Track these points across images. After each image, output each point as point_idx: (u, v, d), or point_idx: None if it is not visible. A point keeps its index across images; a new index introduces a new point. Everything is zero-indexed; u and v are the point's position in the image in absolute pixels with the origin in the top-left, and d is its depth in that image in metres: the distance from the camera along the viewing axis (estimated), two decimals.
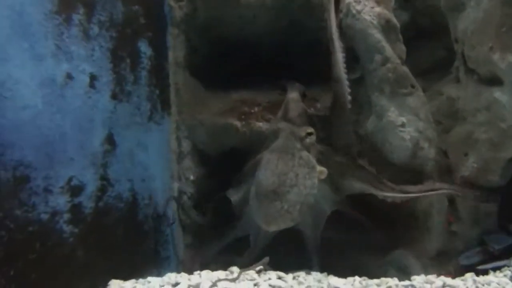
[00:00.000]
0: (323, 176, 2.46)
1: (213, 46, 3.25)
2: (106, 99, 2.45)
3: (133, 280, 2.25)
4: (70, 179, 2.17)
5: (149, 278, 2.25)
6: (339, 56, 2.65)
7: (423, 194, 2.57)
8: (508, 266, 2.31)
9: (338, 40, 2.70)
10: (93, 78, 2.34)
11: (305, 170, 2.38)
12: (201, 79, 3.17)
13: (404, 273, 2.48)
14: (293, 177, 2.33)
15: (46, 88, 2.05)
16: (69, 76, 2.18)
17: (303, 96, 2.89)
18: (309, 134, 2.53)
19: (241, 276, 2.21)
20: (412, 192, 2.58)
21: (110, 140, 2.46)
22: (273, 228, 2.36)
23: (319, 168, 2.46)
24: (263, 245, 2.61)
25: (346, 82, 2.61)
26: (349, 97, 2.60)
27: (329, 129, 2.72)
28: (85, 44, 2.30)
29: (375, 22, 2.63)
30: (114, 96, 2.50)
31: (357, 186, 2.63)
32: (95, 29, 2.38)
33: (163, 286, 2.13)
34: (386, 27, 2.65)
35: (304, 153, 2.44)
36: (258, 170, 2.44)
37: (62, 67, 2.15)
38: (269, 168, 2.37)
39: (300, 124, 2.60)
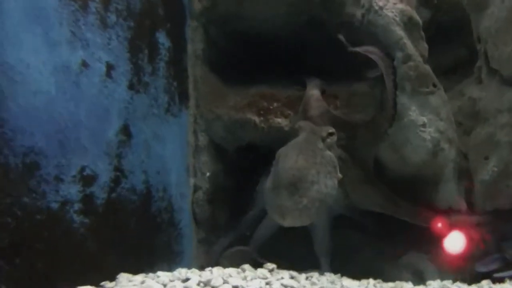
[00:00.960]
0: (339, 177, 2.41)
1: (232, 40, 3.23)
2: (123, 89, 2.42)
3: (142, 274, 2.22)
4: (82, 169, 2.13)
5: (159, 273, 2.21)
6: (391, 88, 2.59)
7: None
8: None
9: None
10: (109, 67, 2.31)
11: (327, 169, 2.30)
12: (219, 73, 3.15)
13: (419, 278, 2.43)
14: (314, 174, 2.23)
15: (60, 74, 2.01)
16: (85, 64, 2.15)
17: (323, 92, 2.83)
18: (331, 134, 2.47)
19: (252, 275, 2.18)
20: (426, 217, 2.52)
21: (126, 130, 2.43)
22: (288, 222, 2.23)
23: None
24: (265, 240, 2.57)
25: (392, 110, 2.56)
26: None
27: (352, 138, 2.66)
28: (101, 32, 2.27)
29: (397, 18, 2.59)
30: (131, 87, 2.47)
31: (367, 203, 2.59)
32: (112, 18, 2.35)
33: (172, 281, 2.10)
34: (409, 24, 2.61)
35: (327, 153, 2.38)
36: (275, 165, 2.35)
37: (78, 54, 2.12)
38: (288, 162, 2.26)
39: (321, 124, 2.56)
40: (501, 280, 2.28)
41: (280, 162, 2.30)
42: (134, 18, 2.51)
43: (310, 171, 2.23)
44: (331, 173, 2.31)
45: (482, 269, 2.44)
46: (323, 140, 2.43)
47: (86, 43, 2.17)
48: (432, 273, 2.47)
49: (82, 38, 2.15)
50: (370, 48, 2.67)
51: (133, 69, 2.49)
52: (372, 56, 2.65)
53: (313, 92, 2.75)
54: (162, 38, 2.77)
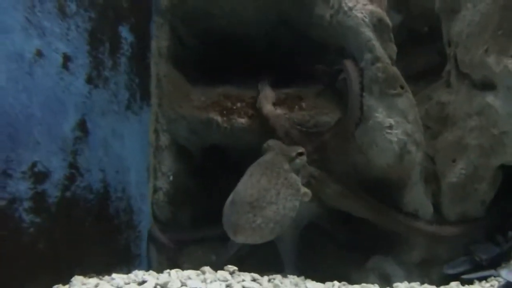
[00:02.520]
0: (307, 199, 2.39)
1: (200, 38, 3.18)
2: (81, 83, 2.31)
3: (98, 277, 2.13)
4: (34, 164, 2.01)
5: (114, 275, 2.12)
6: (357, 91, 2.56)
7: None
8: (495, 276, 2.25)
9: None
10: (67, 58, 2.21)
11: (288, 191, 2.29)
12: (184, 71, 3.09)
13: (386, 281, 2.40)
14: (273, 195, 2.24)
15: (12, 63, 1.90)
16: (40, 54, 2.04)
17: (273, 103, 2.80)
18: (300, 154, 2.44)
19: (212, 277, 2.11)
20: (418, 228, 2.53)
21: (83, 126, 2.33)
22: (240, 239, 2.24)
23: (304, 190, 2.38)
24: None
25: (359, 112, 2.53)
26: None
27: (322, 149, 2.62)
28: (60, 21, 2.16)
29: (367, 20, 2.55)
30: (89, 80, 2.37)
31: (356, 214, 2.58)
32: (73, 7, 2.24)
33: (128, 284, 2.01)
34: (378, 26, 2.57)
35: (291, 175, 2.36)
36: (240, 181, 2.34)
37: (32, 42, 2.00)
38: (250, 181, 2.29)
39: (288, 143, 2.53)
40: (470, 282, 2.26)
41: (242, 180, 2.32)
42: (96, 9, 2.42)
43: (269, 192, 2.24)
44: (293, 195, 2.31)
45: (451, 271, 2.43)
46: (292, 160, 2.40)
47: (42, 31, 2.06)
48: (399, 276, 2.45)
49: (38, 26, 2.04)
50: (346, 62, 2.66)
51: (92, 62, 2.39)
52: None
53: (268, 108, 2.71)
54: (125, 32, 2.68)
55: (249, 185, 2.26)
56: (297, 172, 2.41)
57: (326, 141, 2.63)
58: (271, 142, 2.51)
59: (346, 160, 2.59)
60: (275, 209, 2.22)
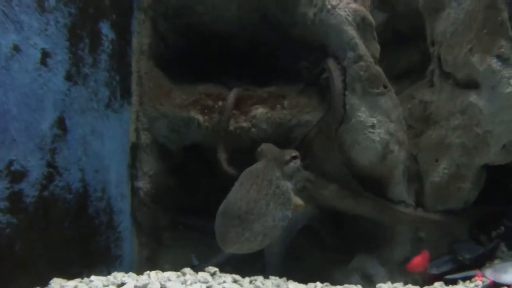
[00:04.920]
0: (300, 209, 2.37)
1: (183, 36, 3.13)
2: (59, 79, 2.26)
3: (77, 279, 2.10)
4: (10, 163, 1.96)
5: (92, 277, 2.09)
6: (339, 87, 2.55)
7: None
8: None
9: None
10: (45, 54, 2.16)
11: (278, 200, 2.27)
12: (166, 69, 3.04)
13: (369, 281, 2.40)
14: (263, 206, 2.21)
15: None
16: (17, 49, 1.99)
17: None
18: (294, 158, 2.40)
19: (192, 278, 2.08)
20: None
21: (61, 124, 2.28)
22: (229, 250, 2.25)
23: (297, 201, 2.36)
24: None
25: (341, 113, 2.53)
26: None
27: (310, 150, 2.62)
28: (38, 16, 2.11)
29: (350, 18, 2.55)
30: (68, 77, 2.32)
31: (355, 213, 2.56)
32: (52, 2, 2.19)
33: (107, 286, 2.00)
34: (362, 24, 2.57)
35: (283, 183, 2.32)
36: (231, 190, 2.31)
37: (9, 37, 1.95)
38: (240, 192, 2.25)
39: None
40: (453, 282, 2.27)
41: (233, 190, 2.29)
42: (76, 4, 2.37)
43: (259, 203, 2.21)
44: (284, 205, 2.29)
45: (434, 271, 2.43)
46: (286, 163, 2.36)
47: (19, 26, 2.01)
48: (382, 276, 2.44)
49: (15, 20, 1.98)
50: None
51: (71, 58, 2.34)
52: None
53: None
54: (106, 29, 2.63)
55: (238, 196, 2.23)
56: (290, 176, 2.38)
57: (311, 139, 2.62)
58: (264, 147, 2.46)
59: (334, 158, 2.58)
60: (264, 221, 2.20)
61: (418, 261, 2.47)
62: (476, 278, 2.24)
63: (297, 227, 2.60)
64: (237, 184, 2.30)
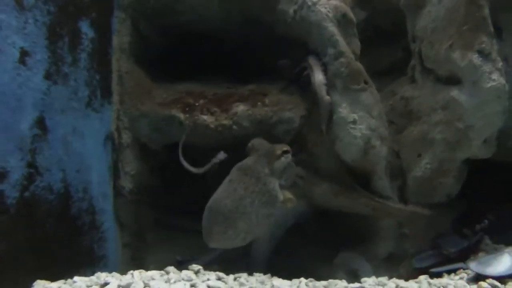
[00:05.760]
0: (290, 205, 2.36)
1: (164, 35, 3.12)
2: (39, 79, 2.25)
3: (61, 281, 2.08)
4: None
5: (76, 278, 2.07)
6: (320, 78, 2.55)
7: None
8: (464, 269, 2.26)
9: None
10: (24, 53, 2.14)
11: (264, 198, 2.27)
12: (147, 68, 3.02)
13: (353, 276, 2.40)
14: (247, 204, 2.23)
15: None
16: None
17: None
18: (285, 152, 2.39)
19: (176, 277, 2.08)
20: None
21: (41, 124, 2.26)
22: (213, 245, 2.29)
23: (287, 195, 2.35)
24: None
25: (328, 100, 2.52)
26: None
27: (304, 145, 2.63)
28: (17, 14, 2.10)
29: (330, 15, 2.56)
30: (48, 76, 2.31)
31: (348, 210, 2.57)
32: (30, 0, 2.17)
33: (90, 286, 1.98)
34: (342, 21, 2.58)
35: (270, 180, 2.31)
36: (220, 186, 2.33)
37: None
38: (227, 189, 2.28)
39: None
40: (438, 275, 2.28)
41: (222, 186, 2.31)
42: (55, 2, 2.36)
43: (244, 201, 2.24)
44: (269, 203, 2.29)
45: (419, 265, 2.44)
46: (278, 158, 2.35)
47: None
48: (367, 271, 2.45)
49: None
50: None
51: (51, 57, 2.33)
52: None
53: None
54: (86, 27, 2.61)
55: (225, 194, 2.27)
56: (282, 171, 2.38)
57: (305, 134, 2.63)
58: (255, 142, 2.46)
59: (327, 153, 2.59)
60: (247, 219, 2.22)
61: None
62: (461, 270, 2.26)
63: (287, 224, 2.61)
64: (226, 180, 2.32)
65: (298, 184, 2.52)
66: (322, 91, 2.52)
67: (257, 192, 2.26)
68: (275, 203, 2.31)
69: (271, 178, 2.32)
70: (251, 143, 2.46)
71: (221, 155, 2.60)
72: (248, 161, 2.37)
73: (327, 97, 2.52)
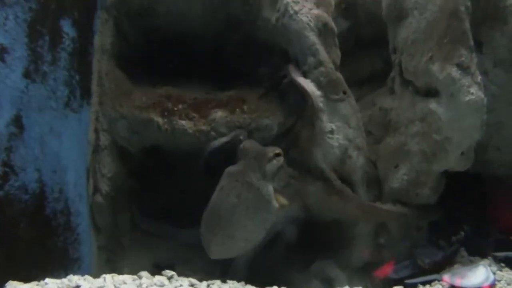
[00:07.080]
0: (284, 207, 2.38)
1: (146, 37, 3.10)
2: (17, 76, 2.22)
3: (34, 282, 2.06)
4: None
5: (47, 280, 2.06)
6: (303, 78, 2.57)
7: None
8: (439, 281, 2.28)
9: None
10: (3, 50, 2.12)
11: (258, 203, 2.28)
12: (128, 70, 2.99)
13: (328, 285, 2.41)
14: (242, 212, 2.24)
15: None
16: None
17: None
18: (277, 155, 2.39)
19: (148, 282, 2.07)
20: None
21: (18, 122, 2.23)
22: (214, 257, 2.31)
23: (281, 200, 2.36)
24: None
25: (318, 93, 2.53)
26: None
27: (297, 143, 2.63)
28: None
29: (312, 24, 2.58)
30: (26, 74, 2.27)
31: (334, 215, 2.58)
32: None
33: None
34: (323, 31, 2.60)
35: (263, 184, 2.31)
36: (213, 195, 2.32)
37: None
38: (220, 197, 2.28)
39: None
40: (413, 287, 2.29)
41: (214, 195, 2.30)
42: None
43: (238, 209, 2.23)
44: (264, 208, 2.29)
45: (394, 275, 2.45)
46: (269, 160, 2.35)
47: None
48: (342, 280, 2.45)
49: None
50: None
51: (30, 55, 2.30)
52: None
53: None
54: (67, 27, 2.59)
55: (218, 202, 2.27)
56: (274, 174, 2.37)
57: (298, 132, 2.63)
58: (247, 144, 2.45)
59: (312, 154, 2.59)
60: (243, 228, 2.24)
61: (386, 268, 2.49)
62: (436, 282, 2.27)
63: (275, 230, 2.57)
64: (218, 188, 2.31)
65: (290, 184, 2.52)
66: (311, 86, 2.53)
67: (251, 199, 2.25)
68: (270, 207, 2.30)
69: (263, 182, 2.30)
70: (242, 146, 2.44)
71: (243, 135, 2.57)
72: (238, 166, 2.35)
73: (318, 92, 2.53)
